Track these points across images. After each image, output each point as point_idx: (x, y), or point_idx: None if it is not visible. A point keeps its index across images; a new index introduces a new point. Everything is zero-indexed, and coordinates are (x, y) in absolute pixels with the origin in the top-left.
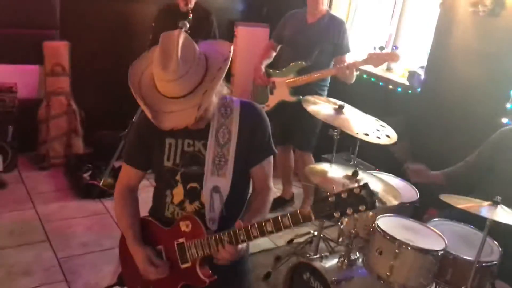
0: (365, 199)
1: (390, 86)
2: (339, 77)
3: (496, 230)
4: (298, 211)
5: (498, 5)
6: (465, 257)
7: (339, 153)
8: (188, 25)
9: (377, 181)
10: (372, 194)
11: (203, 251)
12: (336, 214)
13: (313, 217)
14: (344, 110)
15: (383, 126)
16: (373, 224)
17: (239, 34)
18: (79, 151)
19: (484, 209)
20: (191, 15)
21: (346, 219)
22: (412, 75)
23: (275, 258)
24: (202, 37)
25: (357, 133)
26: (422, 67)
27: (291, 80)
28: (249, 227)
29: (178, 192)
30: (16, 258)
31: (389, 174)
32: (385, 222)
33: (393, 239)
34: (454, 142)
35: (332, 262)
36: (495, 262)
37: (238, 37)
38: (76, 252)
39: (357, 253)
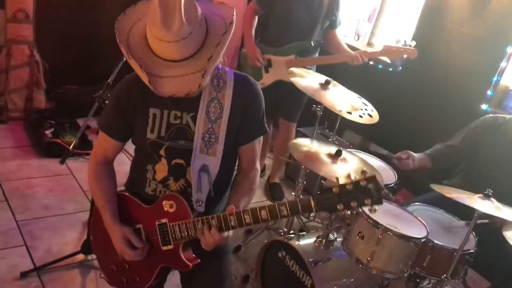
0: (371, 192)
1: (371, 63)
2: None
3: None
4: (298, 200)
5: None
6: (444, 245)
7: (314, 126)
8: None
9: (357, 160)
10: (379, 188)
11: (188, 234)
12: (339, 207)
13: (314, 208)
14: (329, 86)
15: (366, 105)
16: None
17: None
18: (41, 105)
19: (473, 200)
20: None
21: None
22: None
23: (245, 231)
24: None
25: (341, 111)
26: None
27: (297, 61)
28: (242, 213)
29: (161, 168)
30: None
31: (369, 154)
32: None
33: (376, 224)
34: (432, 123)
35: (309, 241)
36: (472, 251)
37: None
38: (37, 215)
39: (335, 233)
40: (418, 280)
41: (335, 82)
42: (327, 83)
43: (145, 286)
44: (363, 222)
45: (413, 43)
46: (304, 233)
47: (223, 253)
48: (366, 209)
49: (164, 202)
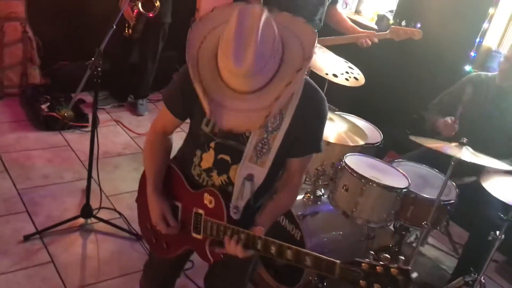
0: (399, 284)
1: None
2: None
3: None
4: (326, 260)
5: None
6: (425, 195)
7: None
8: None
9: (344, 122)
10: (409, 282)
11: (217, 235)
12: (362, 283)
13: (337, 275)
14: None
15: (352, 68)
16: (341, 162)
17: None
18: (35, 81)
19: (450, 148)
20: None
21: None
22: (381, 19)
23: None
24: None
25: (327, 74)
26: (391, 11)
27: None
28: (270, 243)
29: (208, 158)
30: None
31: (355, 116)
32: (352, 160)
33: (360, 176)
34: (420, 87)
35: (298, 197)
36: (452, 201)
37: None
38: (37, 183)
39: (322, 189)
40: (403, 232)
41: (319, 45)
42: None
43: (169, 256)
44: (347, 175)
45: (418, 25)
46: None
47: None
48: None
49: (205, 195)
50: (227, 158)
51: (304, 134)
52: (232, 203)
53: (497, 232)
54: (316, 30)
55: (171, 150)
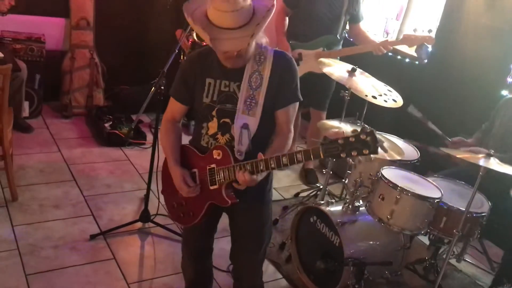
0: (369, 144)
1: (399, 57)
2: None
3: (487, 190)
4: (310, 149)
5: None
6: (458, 207)
7: (346, 117)
8: None
9: (382, 138)
10: (376, 140)
11: (229, 176)
12: (342, 155)
13: (322, 154)
14: (356, 73)
15: (390, 91)
16: (378, 174)
17: None
18: (99, 103)
19: (479, 159)
20: None
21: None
22: (420, 47)
23: (282, 208)
24: None
25: (366, 95)
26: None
27: (325, 53)
28: (268, 159)
29: (213, 125)
30: (46, 194)
31: (395, 136)
32: (388, 172)
33: (395, 186)
34: (457, 112)
35: (338, 207)
36: (484, 214)
37: None
38: (100, 191)
39: (361, 201)
40: (438, 245)
41: (361, 70)
42: (353, 70)
43: (196, 220)
44: (383, 185)
45: (430, 30)
46: (333, 201)
47: (264, 201)
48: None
49: (214, 152)
50: (228, 120)
51: (282, 87)
52: (236, 148)
53: None
54: (336, 45)
55: (181, 134)
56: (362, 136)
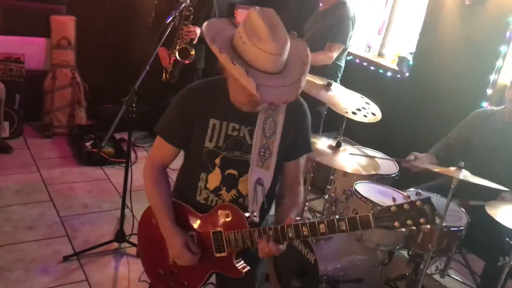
0: (426, 213)
1: (381, 71)
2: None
3: (467, 205)
4: (358, 217)
5: None
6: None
7: (326, 132)
8: (188, 1)
9: (360, 153)
10: (433, 208)
11: (243, 243)
12: (397, 224)
13: (373, 225)
14: (331, 87)
15: (368, 103)
16: (351, 188)
17: (239, 17)
18: (81, 122)
19: (451, 171)
20: None
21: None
22: (401, 60)
23: None
24: (203, 19)
25: (347, 112)
26: (411, 53)
27: None
28: (300, 226)
29: (214, 178)
30: (21, 215)
31: (374, 150)
32: (362, 187)
33: (368, 201)
34: (438, 123)
35: None
36: (462, 228)
37: (238, 20)
38: (77, 212)
39: (337, 216)
40: (418, 260)
41: (336, 84)
42: (329, 84)
43: None
44: (356, 200)
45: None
46: (310, 217)
47: (259, 261)
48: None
49: (219, 212)
50: (234, 172)
51: (297, 138)
52: (250, 208)
53: (506, 258)
54: None
55: (169, 182)
56: (418, 204)
